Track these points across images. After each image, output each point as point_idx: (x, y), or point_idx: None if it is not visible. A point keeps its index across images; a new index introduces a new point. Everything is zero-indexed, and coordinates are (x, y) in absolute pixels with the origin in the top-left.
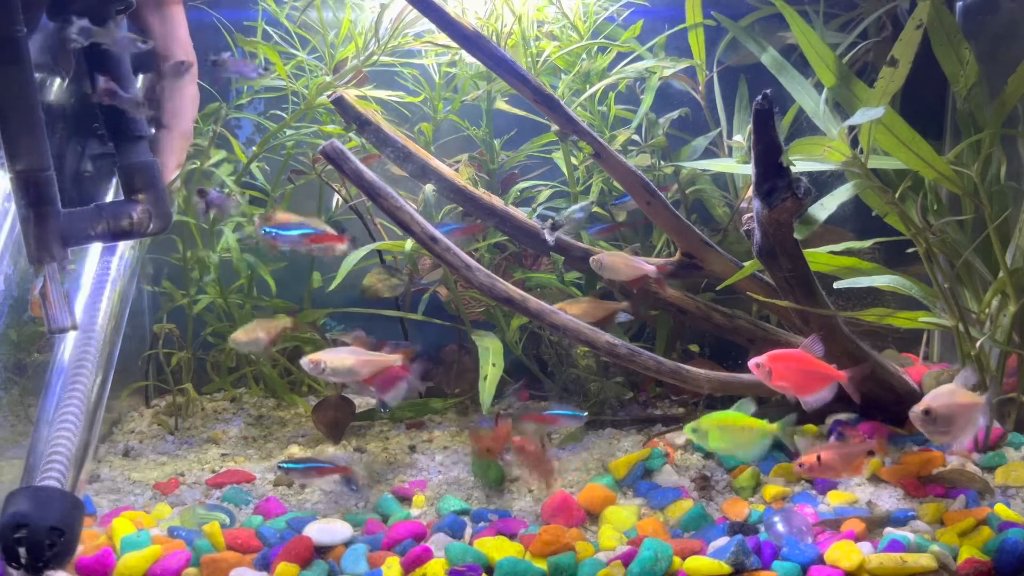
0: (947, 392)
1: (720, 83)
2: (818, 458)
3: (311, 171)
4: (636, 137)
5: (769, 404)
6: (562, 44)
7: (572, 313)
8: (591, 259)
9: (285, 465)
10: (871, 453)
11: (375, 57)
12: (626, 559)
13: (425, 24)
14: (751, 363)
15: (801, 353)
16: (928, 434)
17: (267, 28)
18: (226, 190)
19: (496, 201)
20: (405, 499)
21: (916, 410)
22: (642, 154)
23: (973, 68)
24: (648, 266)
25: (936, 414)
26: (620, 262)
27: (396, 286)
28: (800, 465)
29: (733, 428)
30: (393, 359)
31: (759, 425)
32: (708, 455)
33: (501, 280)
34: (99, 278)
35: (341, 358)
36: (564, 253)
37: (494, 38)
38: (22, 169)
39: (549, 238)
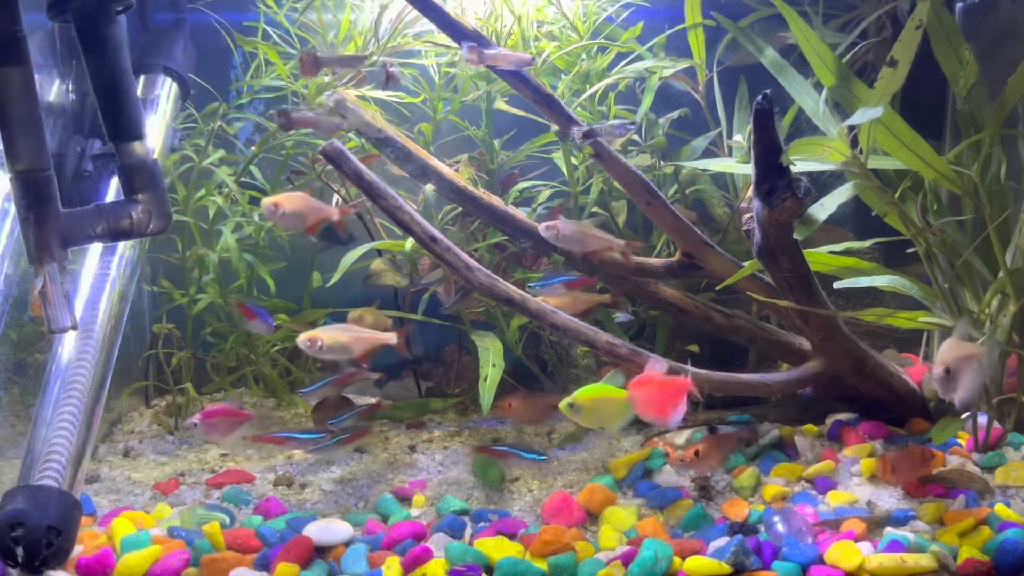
0: (952, 346)
1: (720, 83)
2: (696, 452)
3: (311, 171)
4: (636, 137)
5: (769, 404)
6: (562, 44)
7: (554, 305)
8: (544, 226)
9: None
10: (744, 440)
11: (375, 57)
12: (626, 559)
13: (425, 24)
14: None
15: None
16: (943, 392)
17: (266, 28)
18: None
19: (496, 201)
20: (405, 499)
21: (936, 372)
22: (642, 154)
23: (973, 68)
24: (615, 240)
25: (955, 370)
26: (581, 231)
27: (401, 278)
28: (681, 460)
29: (602, 401)
30: (388, 336)
31: (624, 395)
32: None
33: (501, 280)
34: (99, 278)
35: (336, 335)
36: (564, 253)
37: (494, 38)
38: (22, 169)
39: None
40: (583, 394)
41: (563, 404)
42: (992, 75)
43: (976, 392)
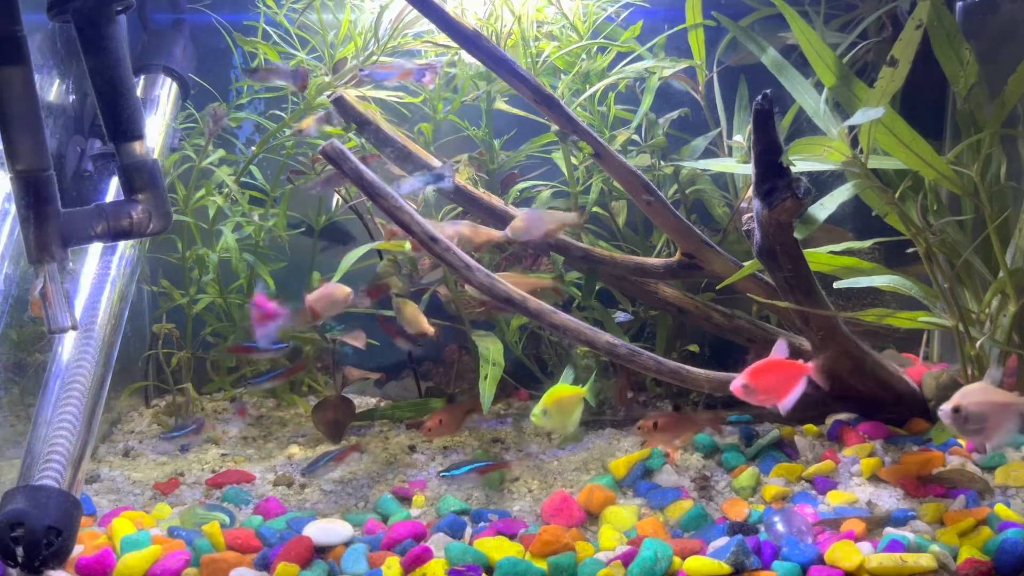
0: (979, 390)
1: (720, 83)
2: (655, 424)
3: (311, 171)
4: (636, 137)
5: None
6: (562, 44)
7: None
8: (507, 231)
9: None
10: (703, 427)
11: (375, 57)
12: (626, 559)
13: (425, 24)
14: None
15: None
16: (961, 432)
17: (266, 28)
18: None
19: (496, 201)
20: (405, 499)
21: (946, 408)
22: (642, 154)
23: (973, 68)
24: (568, 215)
25: (967, 412)
26: (531, 216)
27: (405, 283)
28: (639, 428)
29: (564, 401)
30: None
31: (574, 390)
32: (708, 455)
33: (501, 280)
34: (99, 278)
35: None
36: (564, 253)
37: (494, 38)
38: (22, 169)
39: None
40: (548, 398)
41: (536, 415)
42: (992, 75)
43: (1002, 440)
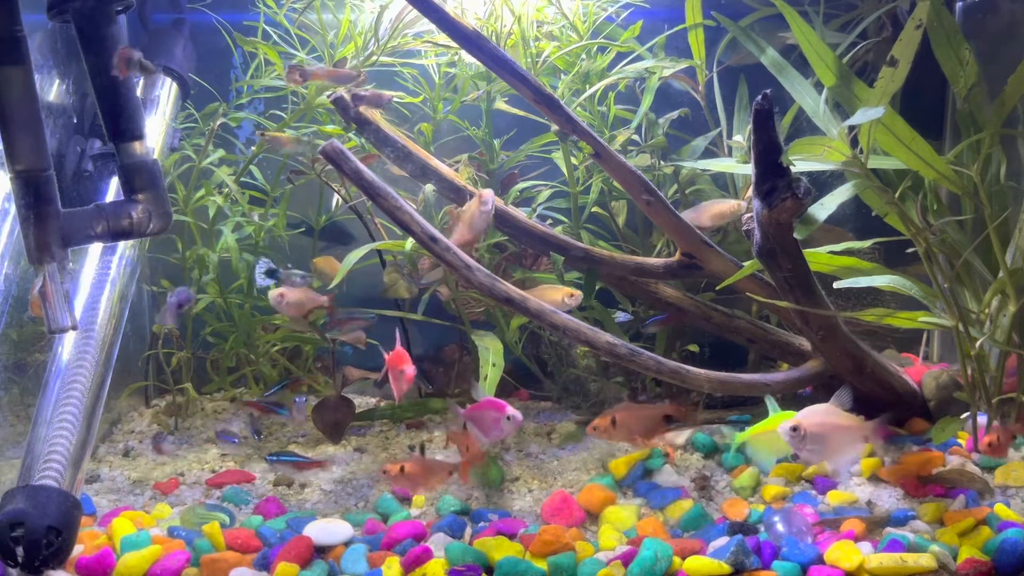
0: (822, 411)
1: (720, 83)
2: (612, 420)
3: (311, 171)
4: (636, 137)
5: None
6: (562, 44)
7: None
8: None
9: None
10: (668, 418)
11: (374, 57)
12: (626, 559)
13: (425, 24)
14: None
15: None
16: (799, 452)
17: (266, 28)
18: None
19: (496, 201)
20: (405, 499)
21: (785, 426)
22: (642, 154)
23: (973, 68)
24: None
25: (805, 432)
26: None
27: (413, 286)
28: (594, 428)
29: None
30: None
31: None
32: (708, 455)
33: (501, 280)
34: (99, 278)
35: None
36: (564, 253)
37: (493, 38)
38: (22, 169)
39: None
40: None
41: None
42: (992, 75)
43: (842, 464)
